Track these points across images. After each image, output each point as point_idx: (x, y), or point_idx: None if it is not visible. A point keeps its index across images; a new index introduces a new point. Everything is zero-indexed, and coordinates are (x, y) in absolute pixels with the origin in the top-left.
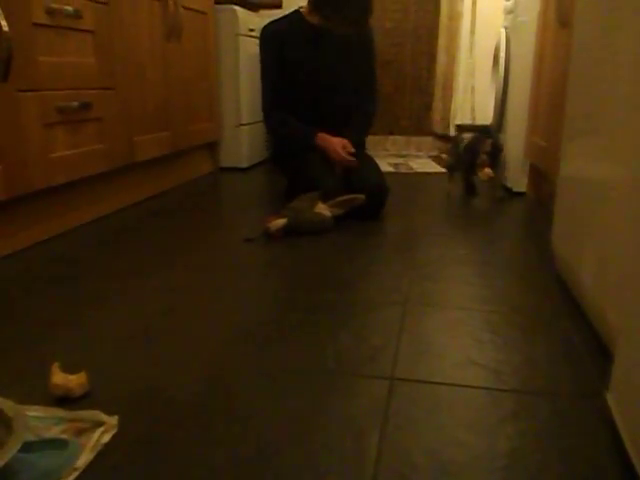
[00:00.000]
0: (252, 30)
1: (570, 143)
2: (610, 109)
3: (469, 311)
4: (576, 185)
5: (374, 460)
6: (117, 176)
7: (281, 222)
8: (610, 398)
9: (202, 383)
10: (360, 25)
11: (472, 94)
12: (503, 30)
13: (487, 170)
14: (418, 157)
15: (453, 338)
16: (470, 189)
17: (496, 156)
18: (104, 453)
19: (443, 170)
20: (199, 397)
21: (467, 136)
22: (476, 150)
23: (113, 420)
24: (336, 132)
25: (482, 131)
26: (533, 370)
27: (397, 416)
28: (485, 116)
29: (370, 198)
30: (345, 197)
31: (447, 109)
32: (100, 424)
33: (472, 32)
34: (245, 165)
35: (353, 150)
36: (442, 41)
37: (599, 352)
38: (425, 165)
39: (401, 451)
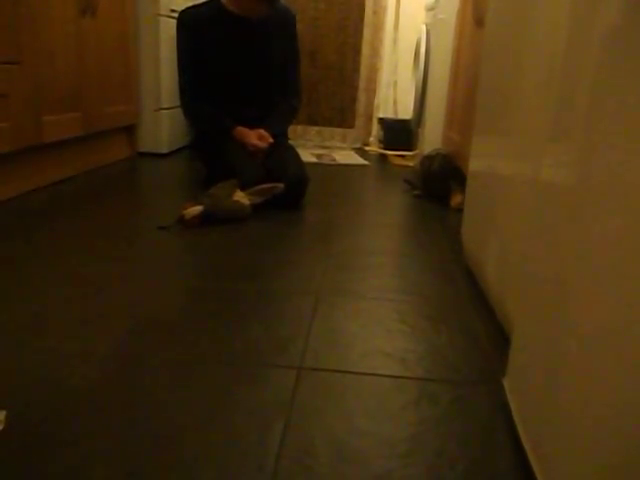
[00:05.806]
0: (174, 11)
1: (479, 139)
2: (515, 108)
3: (380, 301)
4: (483, 180)
5: (276, 450)
6: (24, 157)
7: (197, 210)
8: (506, 383)
9: (103, 374)
10: (272, 2)
11: (395, 88)
12: (424, 27)
13: (460, 198)
14: (342, 149)
15: (363, 327)
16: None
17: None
18: None
19: (366, 162)
20: (98, 389)
21: (434, 160)
22: (448, 177)
23: (0, 415)
24: (256, 124)
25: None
26: (437, 358)
27: (303, 405)
28: (407, 110)
29: (289, 187)
30: (264, 186)
31: (371, 102)
32: None
33: (396, 27)
34: (165, 151)
35: (271, 140)
36: (367, 34)
37: (501, 340)
38: (348, 157)
39: (304, 440)
